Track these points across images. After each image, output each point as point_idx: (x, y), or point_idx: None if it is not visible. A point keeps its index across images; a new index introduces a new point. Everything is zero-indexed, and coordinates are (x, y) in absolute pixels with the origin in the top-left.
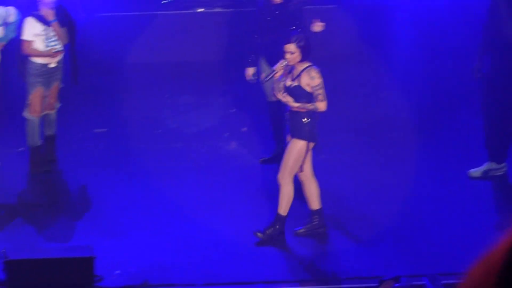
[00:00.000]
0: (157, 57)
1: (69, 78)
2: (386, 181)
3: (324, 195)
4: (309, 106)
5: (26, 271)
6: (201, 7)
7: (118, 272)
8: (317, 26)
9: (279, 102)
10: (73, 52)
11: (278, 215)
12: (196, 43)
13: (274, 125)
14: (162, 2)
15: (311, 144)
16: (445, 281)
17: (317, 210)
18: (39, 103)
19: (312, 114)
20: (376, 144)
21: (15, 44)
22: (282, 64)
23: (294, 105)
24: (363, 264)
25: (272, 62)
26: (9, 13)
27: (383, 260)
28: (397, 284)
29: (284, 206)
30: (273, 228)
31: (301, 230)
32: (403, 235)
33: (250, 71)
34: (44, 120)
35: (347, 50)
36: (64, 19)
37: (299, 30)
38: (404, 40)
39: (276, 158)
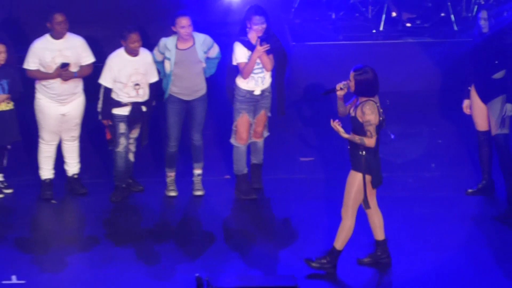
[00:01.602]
0: None
1: (276, 107)
2: None
3: None
4: (357, 140)
5: None
6: (411, 37)
7: None
8: None
9: (488, 132)
10: (280, 81)
11: (333, 248)
12: (406, 73)
13: (482, 155)
14: (373, 31)
15: (368, 177)
16: None
17: (380, 241)
18: (245, 130)
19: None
20: None
21: (224, 69)
22: (342, 84)
23: (344, 136)
24: None
25: (482, 94)
26: (213, 45)
27: None
28: None
29: (341, 240)
30: (325, 260)
31: (366, 260)
32: None
33: (466, 103)
34: (251, 147)
35: None
36: (272, 45)
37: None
38: None
39: (482, 190)
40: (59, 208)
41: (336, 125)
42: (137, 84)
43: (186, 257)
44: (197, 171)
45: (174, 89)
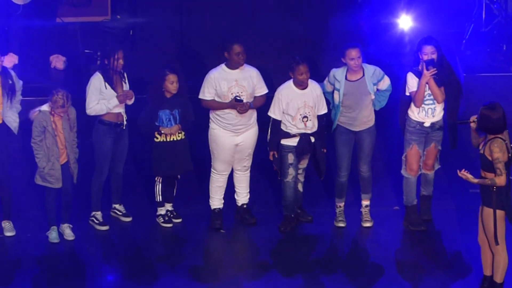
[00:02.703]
0: None
1: (448, 140)
2: None
3: None
4: (488, 182)
5: None
6: None
7: None
8: None
9: None
10: (453, 114)
11: (494, 283)
12: None
13: None
14: None
15: (501, 213)
16: None
17: (497, 283)
18: (415, 162)
19: None
20: None
21: (396, 100)
22: (476, 117)
23: (474, 181)
24: None
25: None
26: (384, 78)
27: None
28: None
29: (500, 274)
30: None
31: None
32: None
33: None
34: (421, 179)
35: None
36: (446, 77)
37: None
38: None
39: None
40: (228, 237)
41: (464, 174)
42: (305, 117)
43: None
44: (365, 202)
45: (343, 119)
